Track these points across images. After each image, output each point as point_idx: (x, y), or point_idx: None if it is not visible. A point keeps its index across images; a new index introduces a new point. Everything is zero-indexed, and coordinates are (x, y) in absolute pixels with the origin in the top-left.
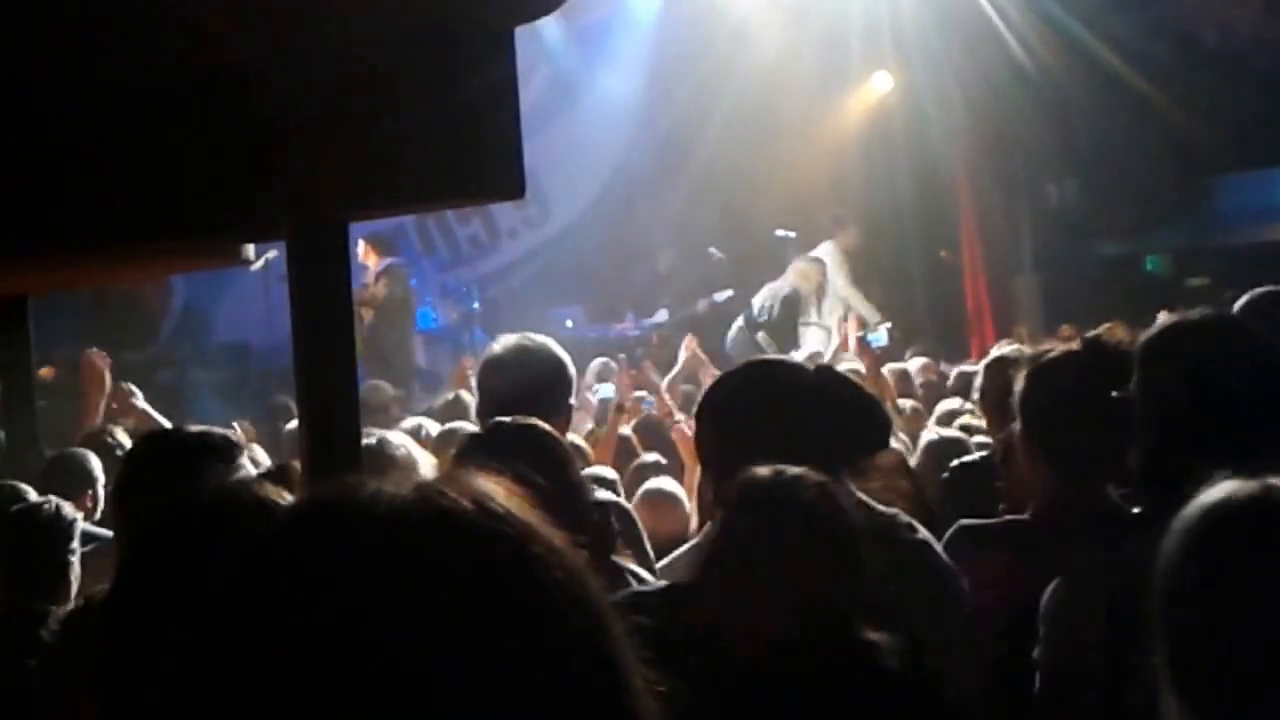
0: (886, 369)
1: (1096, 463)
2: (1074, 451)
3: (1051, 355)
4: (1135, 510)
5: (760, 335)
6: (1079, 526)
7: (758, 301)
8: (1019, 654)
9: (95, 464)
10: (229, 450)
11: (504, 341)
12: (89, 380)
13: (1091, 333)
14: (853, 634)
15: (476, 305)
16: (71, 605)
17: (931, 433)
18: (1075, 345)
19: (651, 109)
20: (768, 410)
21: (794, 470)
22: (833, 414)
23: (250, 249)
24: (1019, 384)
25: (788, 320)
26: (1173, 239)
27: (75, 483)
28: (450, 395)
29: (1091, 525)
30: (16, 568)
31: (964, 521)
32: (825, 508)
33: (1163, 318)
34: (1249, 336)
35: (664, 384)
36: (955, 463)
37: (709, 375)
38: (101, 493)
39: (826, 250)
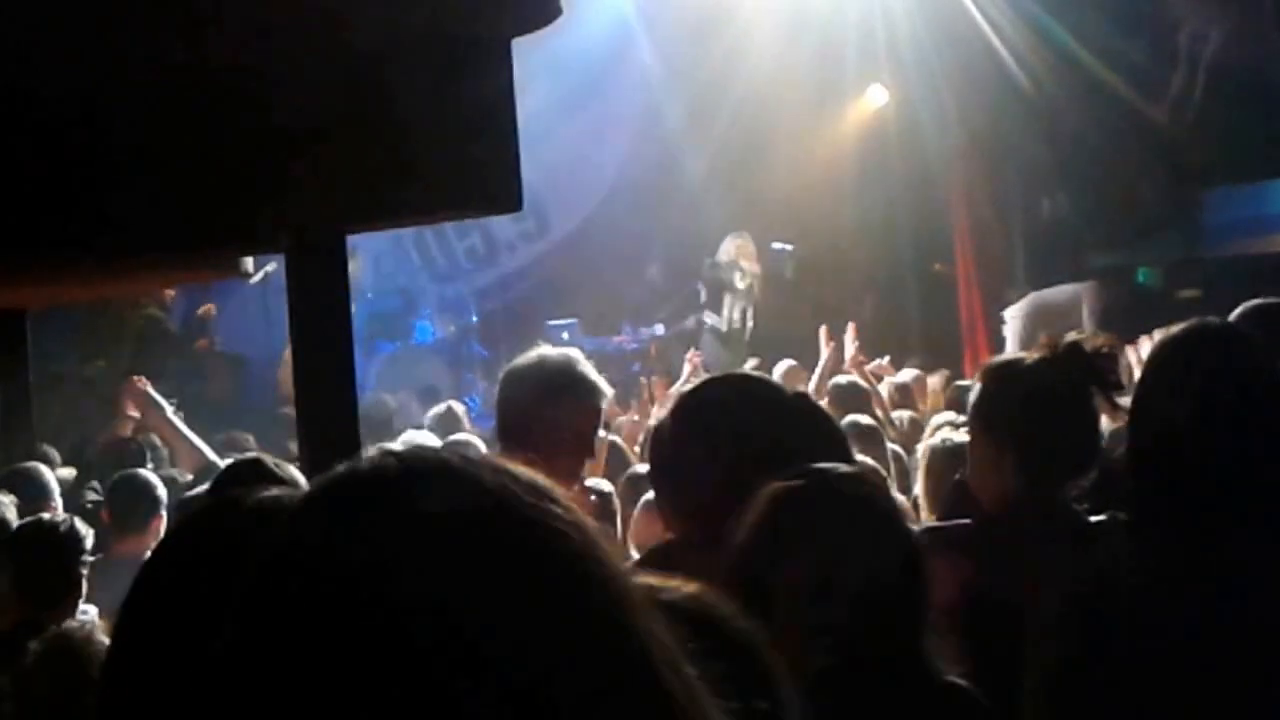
0: (886, 382)
1: (1060, 465)
2: (1037, 452)
3: (1020, 356)
4: (1095, 518)
5: (728, 352)
6: (1035, 529)
7: (722, 314)
8: (976, 651)
9: (49, 477)
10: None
11: (521, 357)
12: (133, 399)
13: (1072, 337)
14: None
15: (474, 319)
16: (67, 624)
17: (936, 438)
18: (1046, 350)
19: (648, 122)
20: (734, 425)
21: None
22: (794, 431)
23: (249, 262)
24: (979, 384)
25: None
26: (1164, 251)
27: (33, 497)
28: (442, 408)
29: (1049, 528)
30: (33, 582)
31: (928, 524)
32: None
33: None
34: (1250, 346)
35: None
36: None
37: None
38: (60, 504)
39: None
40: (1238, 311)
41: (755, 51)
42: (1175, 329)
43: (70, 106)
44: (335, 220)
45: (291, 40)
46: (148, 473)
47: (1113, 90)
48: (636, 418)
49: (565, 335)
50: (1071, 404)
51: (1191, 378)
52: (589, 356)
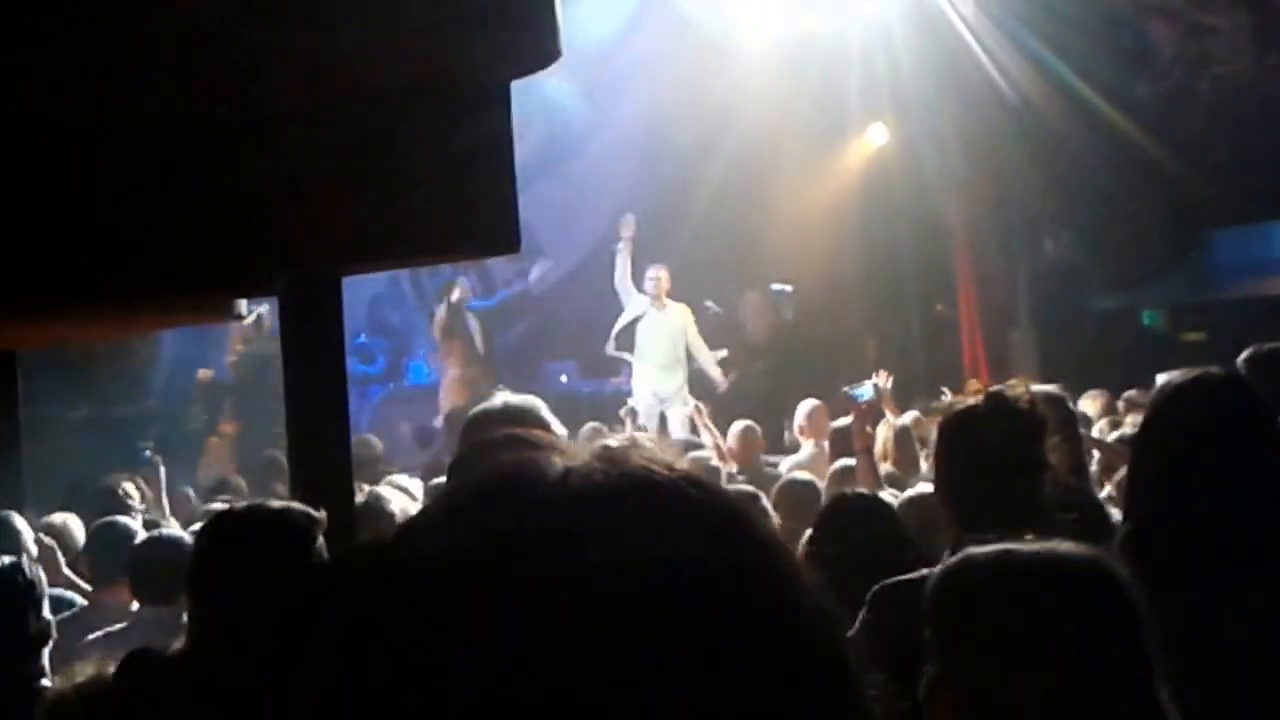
0: (885, 424)
1: (1000, 514)
2: (978, 502)
3: (958, 409)
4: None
5: None
6: None
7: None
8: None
9: (22, 525)
10: (309, 529)
11: (491, 399)
12: None
13: (995, 387)
14: None
15: None
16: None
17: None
18: (979, 399)
19: (648, 163)
20: None
21: None
22: None
23: (243, 304)
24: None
25: None
26: (1169, 293)
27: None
28: (437, 447)
29: None
30: None
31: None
32: None
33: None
34: (1248, 396)
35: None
36: None
37: (705, 428)
38: (34, 550)
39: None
40: (1244, 355)
41: (756, 90)
42: (1181, 374)
43: (63, 149)
44: (332, 262)
45: (288, 84)
46: (127, 520)
47: (1117, 130)
48: None
49: (564, 377)
50: (1010, 454)
51: (1194, 420)
52: (586, 399)
